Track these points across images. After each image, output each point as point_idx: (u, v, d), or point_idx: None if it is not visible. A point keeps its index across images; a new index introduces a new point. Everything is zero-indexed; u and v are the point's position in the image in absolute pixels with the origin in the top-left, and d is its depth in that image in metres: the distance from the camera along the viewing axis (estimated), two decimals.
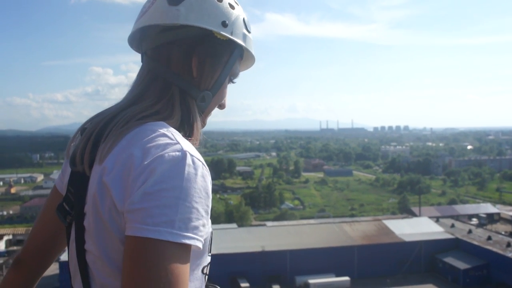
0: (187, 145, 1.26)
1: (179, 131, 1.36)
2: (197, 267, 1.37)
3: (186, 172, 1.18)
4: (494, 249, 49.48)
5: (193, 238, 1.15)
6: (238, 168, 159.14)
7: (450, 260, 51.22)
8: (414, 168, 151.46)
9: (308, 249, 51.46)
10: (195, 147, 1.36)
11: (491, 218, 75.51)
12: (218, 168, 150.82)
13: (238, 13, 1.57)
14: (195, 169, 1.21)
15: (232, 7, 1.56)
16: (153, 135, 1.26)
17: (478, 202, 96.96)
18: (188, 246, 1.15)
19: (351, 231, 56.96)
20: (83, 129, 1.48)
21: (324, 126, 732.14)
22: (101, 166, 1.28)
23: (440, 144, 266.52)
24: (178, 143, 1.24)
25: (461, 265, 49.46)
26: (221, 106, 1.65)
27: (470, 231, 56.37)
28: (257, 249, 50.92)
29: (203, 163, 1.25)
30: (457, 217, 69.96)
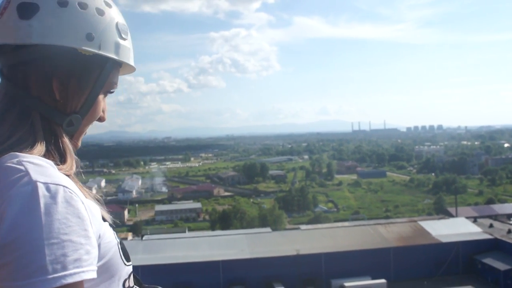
0: (38, 173, 1.08)
1: (48, 159, 1.18)
2: (112, 284, 1.24)
3: (41, 205, 1.01)
4: None
5: (77, 273, 1.00)
6: (270, 172, 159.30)
7: (489, 261, 50.19)
8: (449, 167, 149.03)
9: (343, 252, 51.11)
10: (72, 172, 1.23)
11: None
12: (251, 173, 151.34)
13: (110, 18, 1.34)
14: (53, 197, 1.03)
15: (100, 12, 1.31)
16: (1, 174, 1.08)
17: None
18: (75, 283, 1.00)
19: (386, 233, 56.34)
20: None
21: (356, 128, 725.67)
22: None
23: (476, 143, 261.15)
24: (27, 173, 1.06)
25: (501, 266, 48.40)
26: (100, 119, 1.44)
27: (509, 231, 55.08)
28: (292, 252, 50.79)
29: (64, 186, 1.08)
30: (495, 217, 68.53)
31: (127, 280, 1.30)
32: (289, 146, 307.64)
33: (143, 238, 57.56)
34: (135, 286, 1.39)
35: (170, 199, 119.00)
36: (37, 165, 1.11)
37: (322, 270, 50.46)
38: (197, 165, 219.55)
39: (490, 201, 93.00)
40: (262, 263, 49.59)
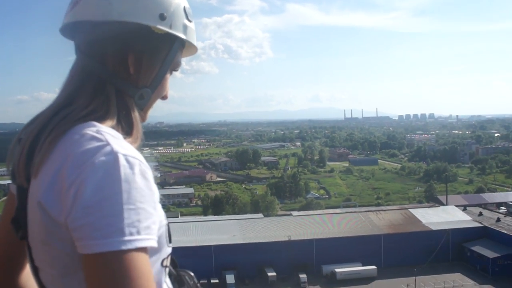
0: (118, 145, 1.17)
1: (117, 130, 1.28)
2: (155, 261, 1.33)
3: (122, 175, 1.11)
4: None
5: (147, 239, 1.10)
6: (263, 158, 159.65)
7: (478, 248, 50.86)
8: (440, 156, 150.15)
9: (334, 238, 51.63)
10: (136, 145, 1.31)
11: None
12: (243, 159, 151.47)
13: (178, 1, 1.47)
14: (131, 168, 1.14)
15: None
16: (82, 139, 1.17)
17: (507, 190, 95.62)
18: (144, 248, 1.10)
19: (377, 220, 56.91)
20: (19, 139, 1.36)
21: (348, 115, 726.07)
22: (36, 181, 1.22)
23: (467, 132, 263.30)
24: (108, 143, 1.16)
25: (490, 253, 49.07)
26: (164, 98, 1.57)
27: (498, 220, 55.79)
28: (284, 238, 51.24)
29: (140, 160, 1.18)
30: (485, 206, 69.23)
31: (165, 260, 1.38)
32: (282, 132, 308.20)
33: None
34: (170, 266, 1.49)
35: (162, 184, 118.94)
36: (114, 137, 1.21)
37: (313, 256, 50.94)
38: (189, 150, 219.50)
39: (480, 190, 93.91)
40: (254, 248, 49.99)
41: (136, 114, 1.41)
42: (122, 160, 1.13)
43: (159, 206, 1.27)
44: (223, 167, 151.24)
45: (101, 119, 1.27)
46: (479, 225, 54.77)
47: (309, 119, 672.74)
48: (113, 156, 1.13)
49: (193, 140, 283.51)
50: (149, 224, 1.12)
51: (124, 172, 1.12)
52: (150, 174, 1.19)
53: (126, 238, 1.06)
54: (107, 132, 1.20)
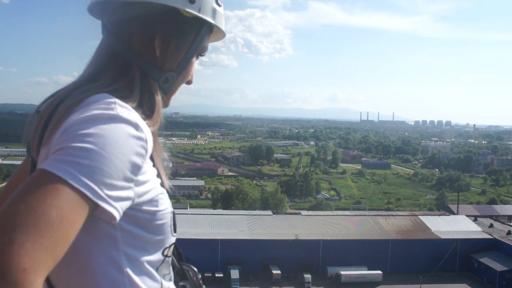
0: (127, 113, 1.14)
1: (138, 112, 1.21)
2: (157, 249, 1.29)
3: (113, 124, 1.08)
4: None
5: (86, 185, 0.98)
6: (275, 155, 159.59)
7: (486, 260, 50.36)
8: (454, 164, 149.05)
9: (341, 240, 51.41)
10: (154, 128, 1.28)
11: None
12: (256, 155, 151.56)
13: None
14: (128, 123, 1.11)
15: None
16: (94, 105, 1.14)
17: None
18: (77, 192, 0.96)
19: (386, 225, 56.60)
20: (38, 111, 1.32)
21: (364, 118, 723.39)
22: (45, 148, 1.17)
23: (483, 142, 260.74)
24: (114, 109, 1.12)
25: (498, 266, 48.59)
26: (188, 83, 1.55)
27: (509, 232, 55.21)
28: (291, 237, 51.15)
29: (142, 129, 1.14)
30: (496, 217, 68.47)
31: (167, 249, 1.33)
32: (296, 131, 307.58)
33: None
34: (172, 257, 1.44)
35: (174, 175, 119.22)
36: (128, 108, 1.17)
37: (319, 256, 50.81)
38: (203, 143, 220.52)
39: (492, 201, 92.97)
40: (261, 245, 49.97)
41: (159, 98, 1.37)
42: (122, 116, 1.11)
43: (158, 190, 1.26)
44: (235, 162, 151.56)
45: (123, 99, 1.21)
46: (489, 236, 54.24)
47: (325, 119, 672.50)
48: (114, 113, 1.11)
49: (207, 133, 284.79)
50: (104, 179, 1.01)
51: (116, 125, 1.08)
52: (140, 144, 1.12)
53: (69, 169, 0.97)
54: (120, 104, 1.16)
